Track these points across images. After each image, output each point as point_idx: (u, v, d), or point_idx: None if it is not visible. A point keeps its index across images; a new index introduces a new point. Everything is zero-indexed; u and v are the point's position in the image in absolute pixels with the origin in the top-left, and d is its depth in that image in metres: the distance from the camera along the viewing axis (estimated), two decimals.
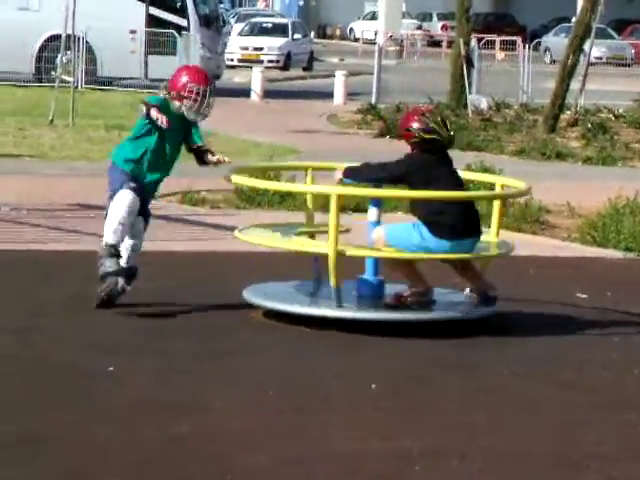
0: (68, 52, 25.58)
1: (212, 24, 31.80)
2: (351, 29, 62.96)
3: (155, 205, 13.98)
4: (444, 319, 9.20)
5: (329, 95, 31.46)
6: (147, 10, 30.45)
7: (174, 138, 9.51)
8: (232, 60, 38.62)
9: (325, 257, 9.10)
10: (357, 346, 8.70)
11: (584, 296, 9.98)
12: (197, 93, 9.38)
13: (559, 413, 7.08)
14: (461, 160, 16.29)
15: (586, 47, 28.19)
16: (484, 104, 26.50)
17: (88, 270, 10.29)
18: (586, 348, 8.98)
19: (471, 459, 6.46)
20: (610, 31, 51.70)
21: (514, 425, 6.94)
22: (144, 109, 8.94)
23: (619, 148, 22.61)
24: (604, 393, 7.67)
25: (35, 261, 11.06)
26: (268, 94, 32.00)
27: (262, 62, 39.05)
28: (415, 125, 9.10)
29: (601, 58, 44.20)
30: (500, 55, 38.98)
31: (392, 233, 9.17)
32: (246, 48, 41.49)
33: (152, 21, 30.26)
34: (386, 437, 6.70)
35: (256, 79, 31.58)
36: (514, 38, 39.39)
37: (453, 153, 9.25)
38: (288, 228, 9.90)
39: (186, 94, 9.25)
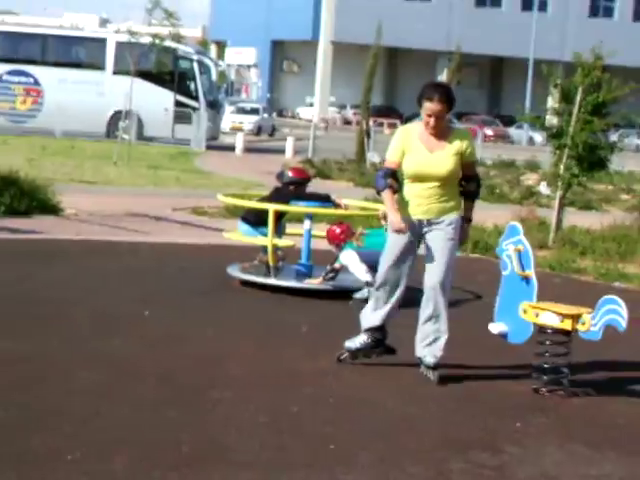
0: (126, 120, 27.99)
1: (214, 106, 34.93)
2: (297, 112, 66.18)
3: (175, 215, 15.28)
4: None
5: (283, 151, 33.54)
6: (175, 96, 33.46)
7: None
8: (225, 128, 40.92)
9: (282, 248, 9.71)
10: (297, 303, 9.00)
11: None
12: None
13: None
14: (361, 194, 16.54)
15: None
16: (377, 158, 27.57)
17: (134, 252, 11.17)
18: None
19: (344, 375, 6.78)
20: (453, 120, 54.16)
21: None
22: None
23: None
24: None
25: (106, 247, 11.45)
26: (247, 150, 34.16)
27: (243, 130, 41.27)
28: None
29: None
30: (387, 130, 43.90)
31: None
32: (234, 121, 44.38)
33: (178, 103, 33.27)
34: (314, 357, 7.00)
35: (239, 140, 34.25)
36: (396, 121, 46.16)
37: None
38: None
39: None
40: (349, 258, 9.23)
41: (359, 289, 9.20)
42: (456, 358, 7.06)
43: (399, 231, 6.53)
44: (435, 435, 5.60)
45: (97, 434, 5.18)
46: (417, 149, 6.49)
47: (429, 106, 6.39)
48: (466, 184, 6.63)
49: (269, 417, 5.66)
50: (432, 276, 6.56)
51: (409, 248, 6.62)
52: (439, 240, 6.55)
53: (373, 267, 7.90)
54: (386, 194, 6.55)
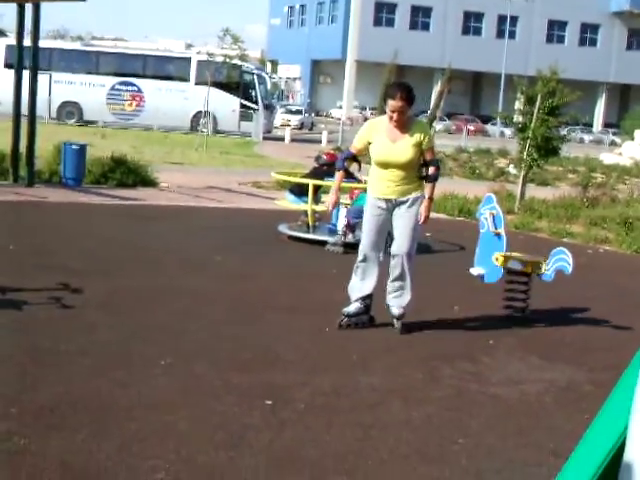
0: (205, 118, 27.77)
1: (269, 108, 34.53)
2: (330, 112, 65.42)
3: (240, 188, 14.92)
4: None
5: (319, 141, 32.83)
6: (240, 101, 32.81)
7: None
8: (277, 124, 40.54)
9: (318, 212, 9.69)
10: (329, 252, 9.04)
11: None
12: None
13: None
14: None
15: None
16: None
17: (209, 214, 11.00)
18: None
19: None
20: (445, 118, 52.77)
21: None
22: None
23: None
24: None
25: (190, 211, 11.38)
26: (292, 140, 33.36)
27: (290, 126, 40.81)
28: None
29: None
30: None
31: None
32: (283, 119, 43.84)
33: (242, 106, 32.79)
34: (341, 291, 6.44)
35: (287, 133, 33.65)
36: None
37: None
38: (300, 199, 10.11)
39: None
40: (341, 214, 9.43)
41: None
42: (445, 293, 7.13)
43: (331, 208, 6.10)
44: (429, 350, 5.54)
45: (183, 345, 5.14)
46: (382, 139, 5.84)
47: (391, 103, 5.73)
48: (426, 168, 5.87)
49: (308, 334, 5.61)
50: (400, 246, 5.93)
51: (383, 224, 5.96)
52: (404, 217, 5.89)
53: (354, 222, 8.94)
54: (338, 175, 6.09)
